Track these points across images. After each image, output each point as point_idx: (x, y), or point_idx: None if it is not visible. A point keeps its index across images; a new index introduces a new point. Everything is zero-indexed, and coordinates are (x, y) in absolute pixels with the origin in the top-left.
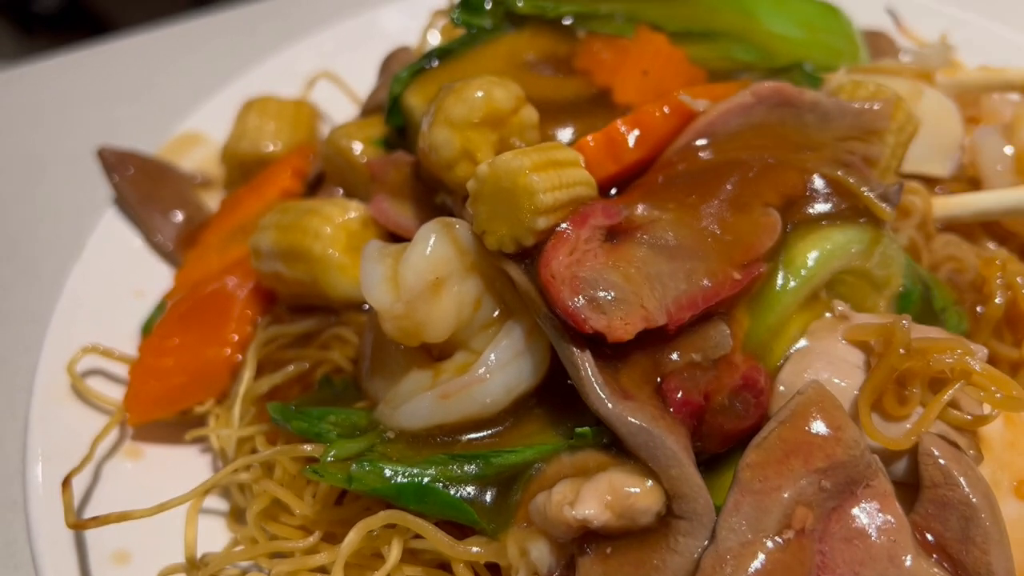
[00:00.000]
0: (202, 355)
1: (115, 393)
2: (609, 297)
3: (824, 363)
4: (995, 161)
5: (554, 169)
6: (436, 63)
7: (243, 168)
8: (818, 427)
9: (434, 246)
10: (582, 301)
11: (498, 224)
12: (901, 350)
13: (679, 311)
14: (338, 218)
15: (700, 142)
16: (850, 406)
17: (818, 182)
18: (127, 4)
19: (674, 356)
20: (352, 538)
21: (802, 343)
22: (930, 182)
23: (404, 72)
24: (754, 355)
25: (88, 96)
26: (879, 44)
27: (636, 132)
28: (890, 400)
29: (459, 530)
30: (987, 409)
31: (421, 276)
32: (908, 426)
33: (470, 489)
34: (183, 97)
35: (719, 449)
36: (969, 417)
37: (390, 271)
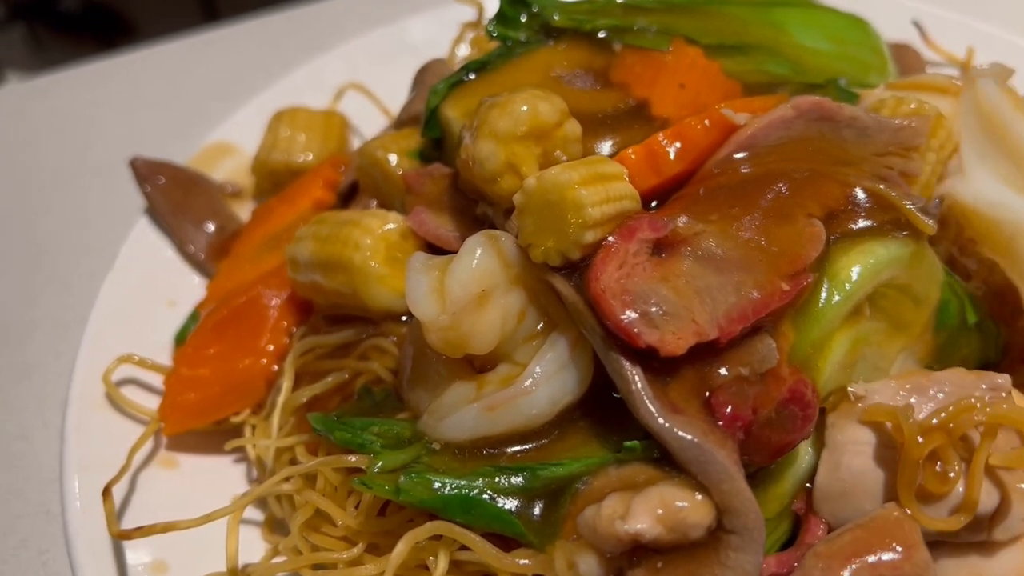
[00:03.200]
0: (237, 365)
1: (148, 402)
2: (661, 311)
3: (853, 454)
4: None
5: (601, 183)
6: (473, 76)
7: (274, 178)
8: (893, 540)
9: (480, 259)
10: (634, 315)
11: (544, 237)
12: (919, 438)
13: (730, 324)
14: (377, 229)
15: (740, 155)
16: (889, 488)
17: (859, 194)
18: (141, 10)
19: (722, 370)
20: (401, 549)
21: (827, 439)
22: None
23: (441, 84)
24: (799, 369)
25: (112, 106)
26: (906, 58)
27: (677, 144)
28: (930, 480)
29: (503, 542)
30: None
31: (467, 288)
32: (960, 490)
33: (516, 502)
34: (208, 107)
35: (766, 462)
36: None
37: (436, 283)
